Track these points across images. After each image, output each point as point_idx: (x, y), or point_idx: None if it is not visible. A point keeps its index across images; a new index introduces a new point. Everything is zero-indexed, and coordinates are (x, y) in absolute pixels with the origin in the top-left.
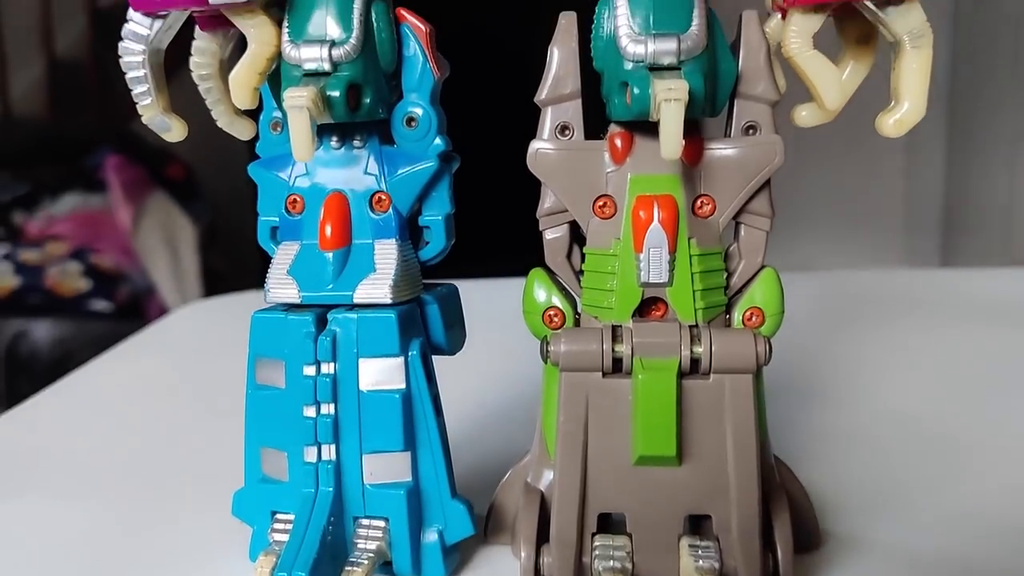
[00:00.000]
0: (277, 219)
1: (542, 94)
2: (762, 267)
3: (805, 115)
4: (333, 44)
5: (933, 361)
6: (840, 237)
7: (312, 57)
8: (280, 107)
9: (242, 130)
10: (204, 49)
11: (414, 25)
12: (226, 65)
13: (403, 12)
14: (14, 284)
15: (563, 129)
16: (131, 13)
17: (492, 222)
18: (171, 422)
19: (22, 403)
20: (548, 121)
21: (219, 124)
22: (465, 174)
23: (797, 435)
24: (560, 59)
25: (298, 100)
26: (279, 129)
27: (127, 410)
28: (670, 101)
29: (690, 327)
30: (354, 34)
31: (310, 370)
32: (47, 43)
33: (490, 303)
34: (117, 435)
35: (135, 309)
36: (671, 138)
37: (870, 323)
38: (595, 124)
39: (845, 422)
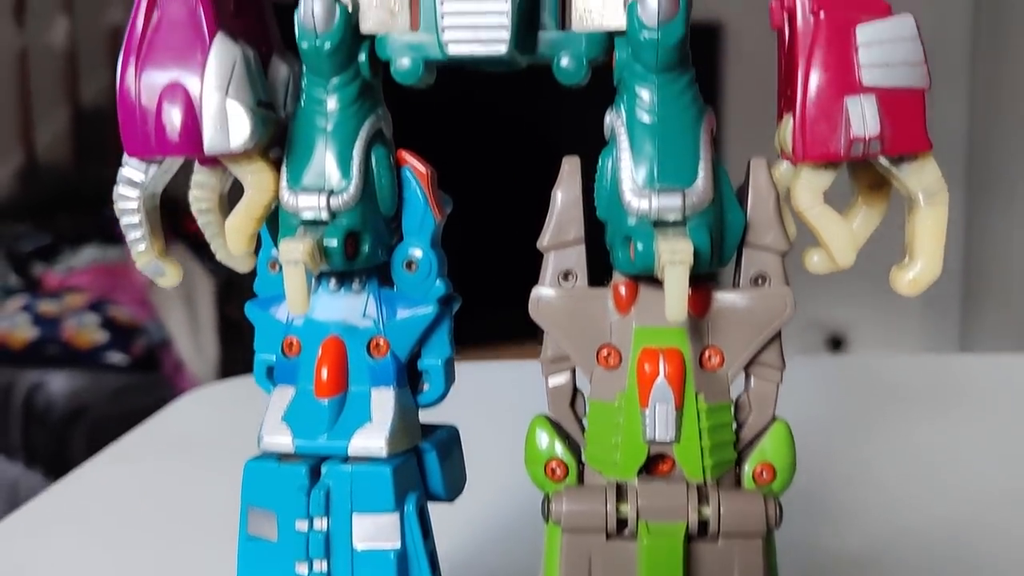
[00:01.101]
0: (274, 357)
1: (544, 240)
2: (773, 419)
3: (816, 261)
4: (332, 193)
5: (955, 465)
6: (855, 292)
7: (310, 206)
8: (277, 247)
9: (240, 265)
10: (203, 183)
11: (415, 168)
12: (226, 199)
13: (405, 155)
14: (32, 335)
15: (566, 275)
16: (126, 158)
17: (491, 273)
18: (168, 539)
19: (11, 514)
20: (551, 267)
21: (217, 257)
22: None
23: (800, 562)
24: (563, 204)
25: (293, 254)
26: (277, 269)
27: (119, 525)
28: (675, 264)
29: (698, 487)
30: (353, 182)
31: (302, 525)
32: (73, 93)
33: (491, 391)
34: (104, 557)
35: (151, 361)
36: (675, 302)
37: (884, 417)
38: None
39: (856, 545)
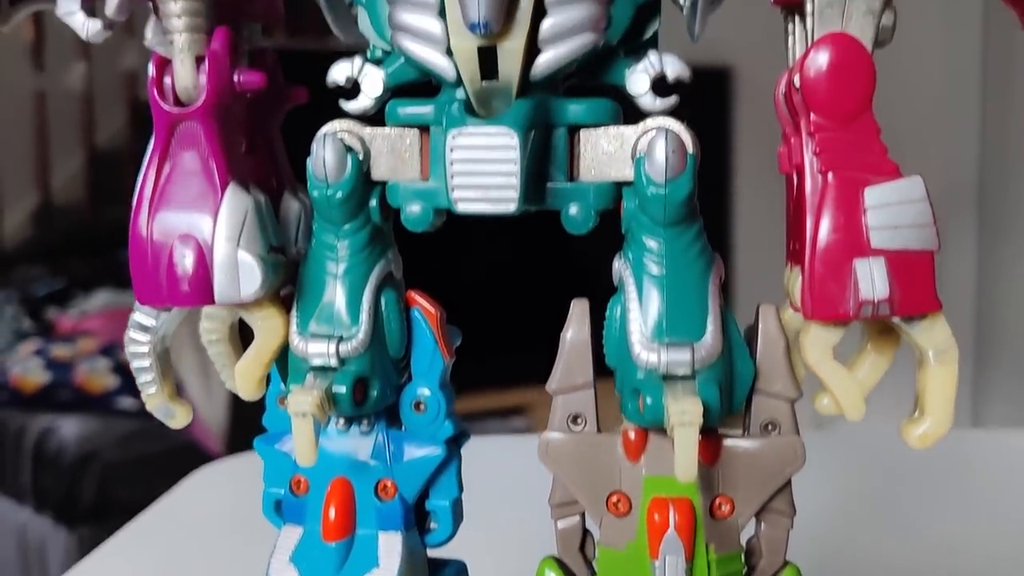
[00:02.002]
0: (282, 491)
1: (553, 383)
2: (785, 564)
3: (827, 403)
4: (341, 339)
5: (968, 553)
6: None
7: (319, 353)
8: (286, 385)
9: (249, 397)
10: (214, 316)
11: (424, 309)
12: (236, 330)
13: (414, 296)
14: (44, 380)
15: (575, 419)
16: (137, 304)
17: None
18: None
19: None
20: (559, 411)
21: (227, 385)
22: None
23: None
24: (572, 347)
25: (302, 407)
26: (285, 404)
27: None
28: (684, 426)
29: None
30: (362, 328)
31: None
32: (89, 134)
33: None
34: None
35: None
36: (685, 462)
37: (887, 499)
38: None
39: None
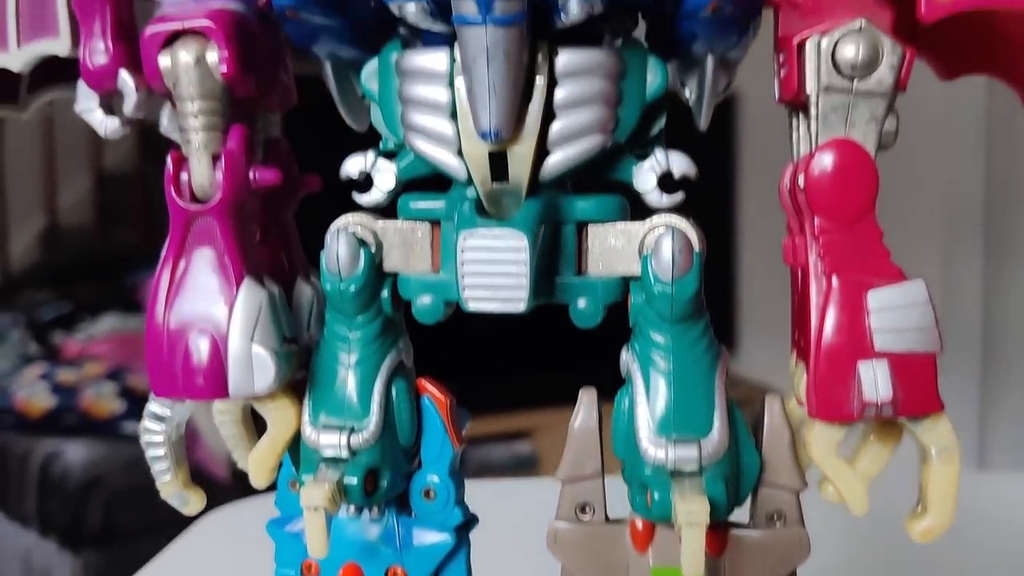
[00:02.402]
0: (293, 574)
1: (561, 472)
2: None
3: (831, 491)
4: (352, 431)
5: None
6: None
7: (331, 444)
8: (298, 473)
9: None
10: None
11: (435, 397)
12: (248, 411)
13: (425, 384)
14: (49, 404)
15: (583, 508)
16: (152, 396)
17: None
18: None
19: None
20: (567, 500)
21: (239, 465)
22: None
23: None
24: (580, 436)
25: (314, 500)
26: (297, 488)
27: None
28: (691, 525)
29: None
30: (373, 420)
31: None
32: (96, 156)
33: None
34: None
35: None
36: (692, 561)
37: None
38: None
39: None
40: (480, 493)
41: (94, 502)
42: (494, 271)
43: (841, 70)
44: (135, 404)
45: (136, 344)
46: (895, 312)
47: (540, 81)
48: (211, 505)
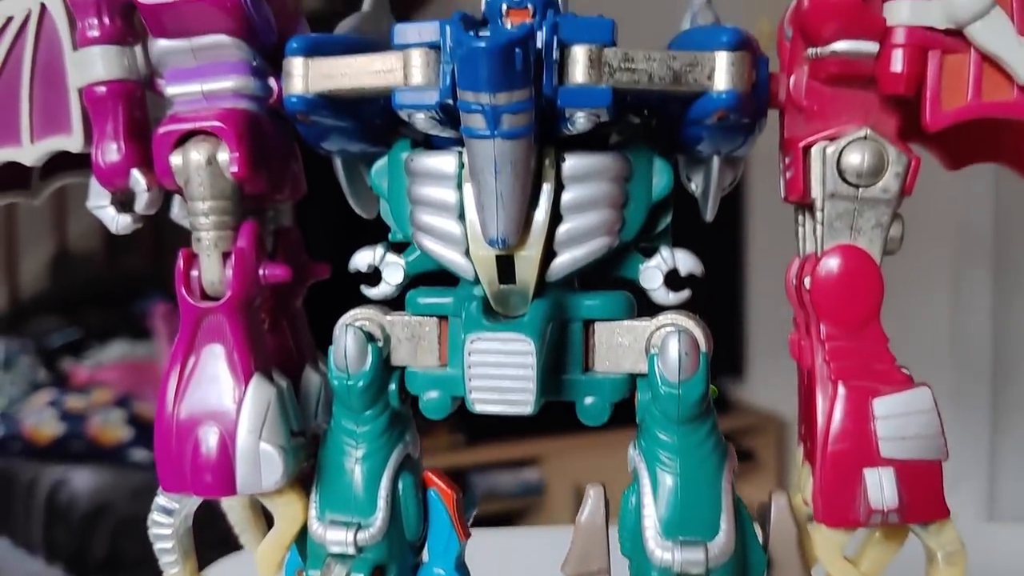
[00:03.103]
0: None
1: (568, 568)
2: None
3: None
4: (359, 527)
5: None
6: None
7: (338, 541)
8: (305, 566)
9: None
10: None
11: (442, 490)
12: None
13: (432, 477)
14: (57, 431)
15: None
16: (160, 490)
17: None
18: None
19: None
20: None
21: (246, 548)
22: None
23: None
24: (587, 532)
25: None
26: None
27: None
28: None
29: None
30: (380, 516)
31: None
32: None
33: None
34: None
35: None
36: None
37: None
38: None
39: None
40: (482, 542)
41: (100, 530)
42: (501, 374)
43: (846, 178)
44: (142, 431)
45: (144, 371)
46: (901, 420)
47: (547, 187)
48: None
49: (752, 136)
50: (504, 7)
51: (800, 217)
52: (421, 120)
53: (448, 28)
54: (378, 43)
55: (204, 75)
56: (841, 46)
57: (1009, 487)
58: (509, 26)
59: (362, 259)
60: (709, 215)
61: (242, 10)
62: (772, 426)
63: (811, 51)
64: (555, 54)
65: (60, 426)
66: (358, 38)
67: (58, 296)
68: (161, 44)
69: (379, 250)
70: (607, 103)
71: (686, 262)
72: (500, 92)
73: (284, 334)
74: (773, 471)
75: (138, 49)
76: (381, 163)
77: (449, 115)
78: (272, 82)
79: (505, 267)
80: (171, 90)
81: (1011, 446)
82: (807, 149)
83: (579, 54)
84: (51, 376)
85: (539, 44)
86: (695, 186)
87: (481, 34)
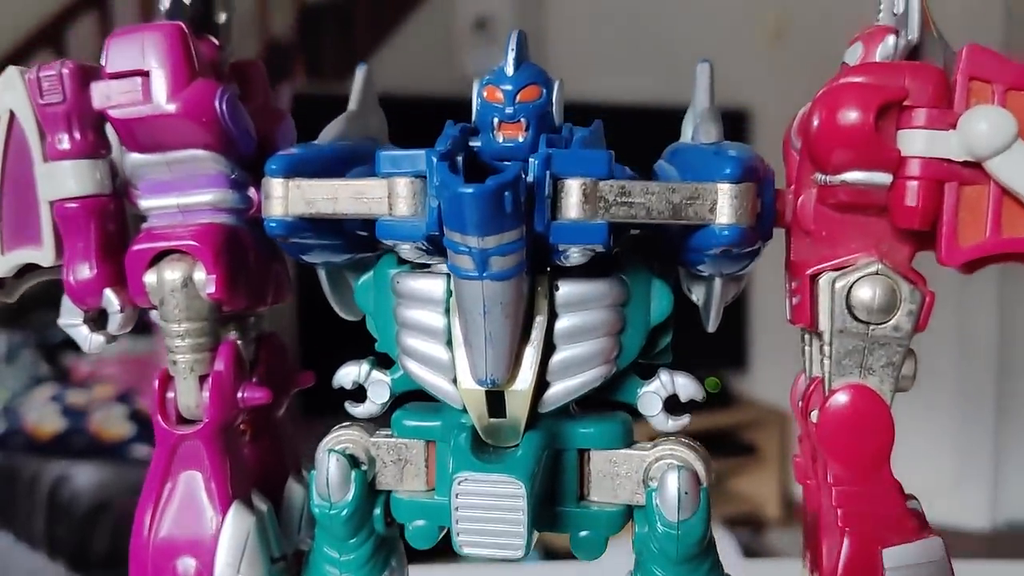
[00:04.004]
0: None
1: None
2: None
3: None
4: None
5: None
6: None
7: None
8: None
9: None
10: None
11: None
12: None
13: None
14: (59, 427)
15: None
16: None
17: None
18: None
19: None
20: None
21: None
22: None
23: None
24: None
25: None
26: None
27: None
28: None
29: None
30: None
31: None
32: None
33: None
34: None
35: None
36: None
37: None
38: None
39: None
40: None
41: (102, 526)
42: (490, 517)
43: (856, 314)
44: (144, 428)
45: (145, 367)
46: (911, 570)
47: (540, 318)
48: None
49: (755, 259)
50: (496, 120)
51: (807, 336)
52: (407, 250)
53: (435, 161)
54: (365, 150)
55: (180, 189)
56: (852, 176)
57: (1013, 487)
58: (501, 139)
59: (347, 375)
60: (711, 327)
61: (218, 124)
62: (775, 419)
63: (820, 177)
64: (547, 189)
65: (62, 421)
66: (343, 147)
67: (60, 290)
68: (134, 157)
69: (364, 366)
70: (603, 240)
71: (687, 387)
72: (489, 236)
73: (266, 444)
74: (775, 464)
75: (114, 153)
76: (367, 278)
77: (436, 245)
78: (252, 192)
79: (495, 402)
80: (145, 203)
81: (1016, 447)
82: (815, 277)
83: (573, 188)
84: (52, 371)
85: (530, 178)
86: (696, 298)
87: (470, 170)
